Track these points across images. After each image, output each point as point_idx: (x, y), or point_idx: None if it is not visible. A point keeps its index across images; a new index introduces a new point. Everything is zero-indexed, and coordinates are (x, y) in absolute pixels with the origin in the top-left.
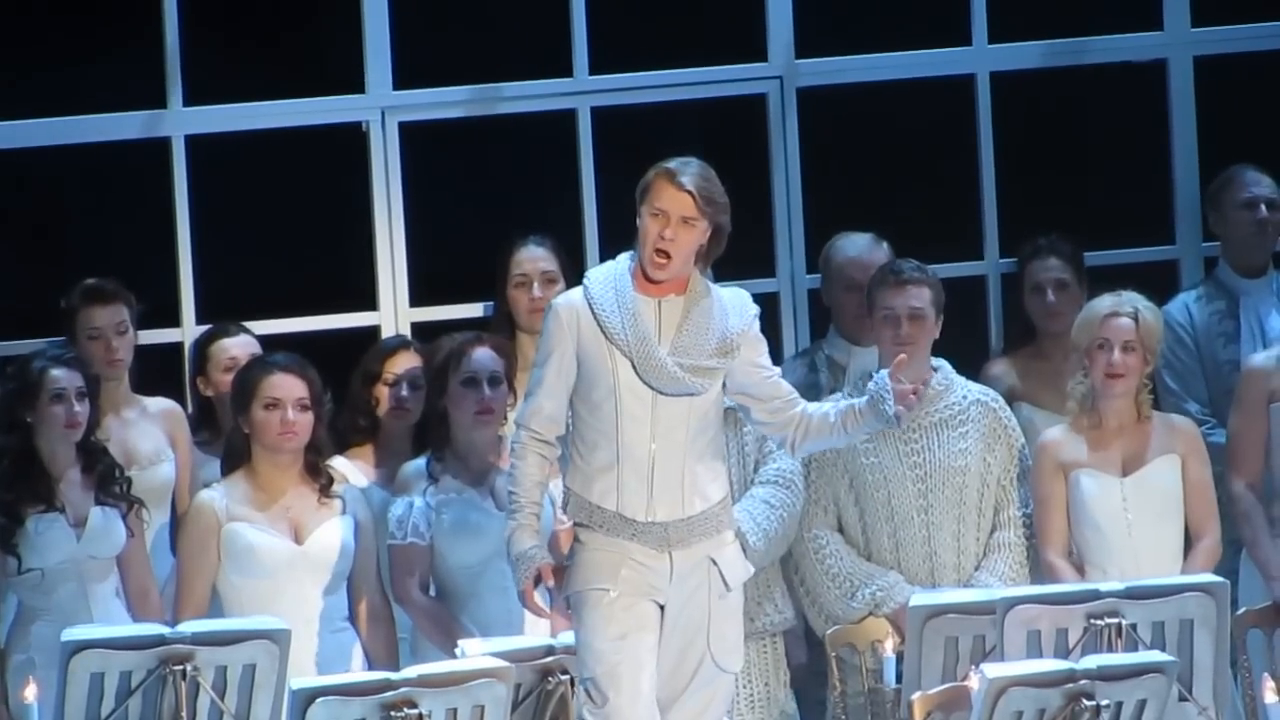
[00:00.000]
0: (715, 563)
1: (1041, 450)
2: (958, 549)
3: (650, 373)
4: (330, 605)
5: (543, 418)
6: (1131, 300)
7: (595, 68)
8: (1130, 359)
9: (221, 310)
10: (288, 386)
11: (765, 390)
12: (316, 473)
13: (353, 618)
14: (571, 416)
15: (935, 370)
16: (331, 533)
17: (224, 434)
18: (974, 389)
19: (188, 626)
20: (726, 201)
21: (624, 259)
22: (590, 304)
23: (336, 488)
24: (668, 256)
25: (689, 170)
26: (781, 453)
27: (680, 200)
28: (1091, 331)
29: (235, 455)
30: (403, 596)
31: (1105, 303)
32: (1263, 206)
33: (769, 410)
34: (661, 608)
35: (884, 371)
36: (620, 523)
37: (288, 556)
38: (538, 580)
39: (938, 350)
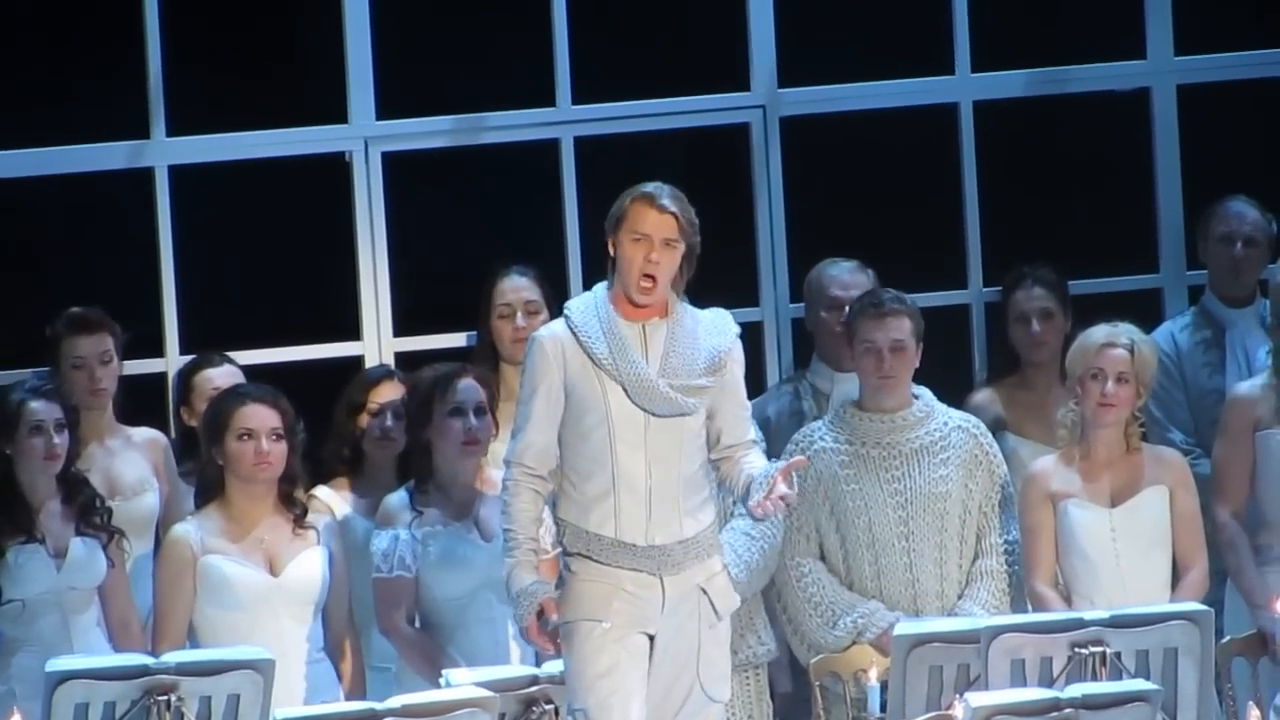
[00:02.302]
0: (705, 592)
1: (1030, 480)
2: (940, 576)
3: (642, 396)
4: (306, 636)
5: (535, 453)
6: (1128, 331)
7: (578, 97)
8: (1123, 390)
9: (205, 340)
10: (261, 417)
11: (729, 421)
12: (290, 503)
13: (327, 648)
14: (559, 448)
15: (916, 398)
16: (307, 564)
17: None
18: (955, 416)
19: (172, 657)
20: (698, 222)
21: (600, 289)
22: (575, 333)
23: (311, 518)
24: (653, 280)
25: (666, 193)
26: None
27: (663, 223)
28: (1086, 360)
29: (209, 488)
30: (389, 629)
31: (1101, 332)
32: (1238, 244)
33: (720, 449)
34: (650, 638)
35: (776, 464)
36: (618, 549)
37: (263, 588)
38: (540, 614)
39: (921, 380)
